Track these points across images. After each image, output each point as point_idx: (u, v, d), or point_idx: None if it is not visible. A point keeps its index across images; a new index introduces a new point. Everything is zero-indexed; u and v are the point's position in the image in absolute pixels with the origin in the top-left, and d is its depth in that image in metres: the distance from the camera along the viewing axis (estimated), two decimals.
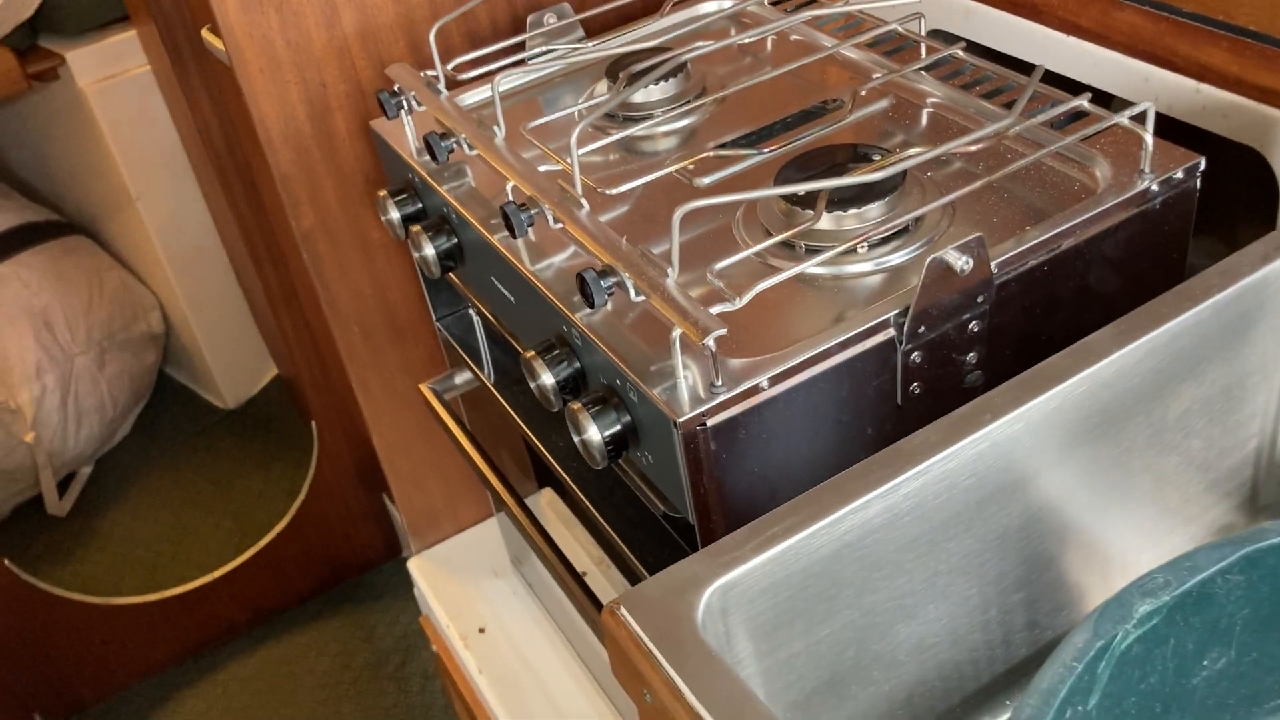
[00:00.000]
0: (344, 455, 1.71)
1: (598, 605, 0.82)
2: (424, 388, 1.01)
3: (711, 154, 0.79)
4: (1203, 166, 0.70)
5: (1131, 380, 0.62)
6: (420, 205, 0.86)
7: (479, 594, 1.21)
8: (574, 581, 0.82)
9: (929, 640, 0.62)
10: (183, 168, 1.85)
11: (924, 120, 0.82)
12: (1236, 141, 0.80)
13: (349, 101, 0.99)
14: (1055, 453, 0.61)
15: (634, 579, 0.82)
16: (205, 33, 1.00)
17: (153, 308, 2.04)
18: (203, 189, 1.85)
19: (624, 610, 0.52)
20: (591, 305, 0.64)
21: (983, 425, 0.57)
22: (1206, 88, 0.82)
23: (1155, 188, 0.69)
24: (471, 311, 1.01)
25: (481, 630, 1.18)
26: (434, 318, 1.00)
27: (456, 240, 0.82)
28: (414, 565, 1.26)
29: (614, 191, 0.73)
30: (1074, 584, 0.67)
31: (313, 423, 1.69)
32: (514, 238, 0.72)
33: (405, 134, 0.88)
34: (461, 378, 1.02)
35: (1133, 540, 0.69)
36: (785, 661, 0.57)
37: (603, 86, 0.88)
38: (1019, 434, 0.59)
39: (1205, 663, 0.59)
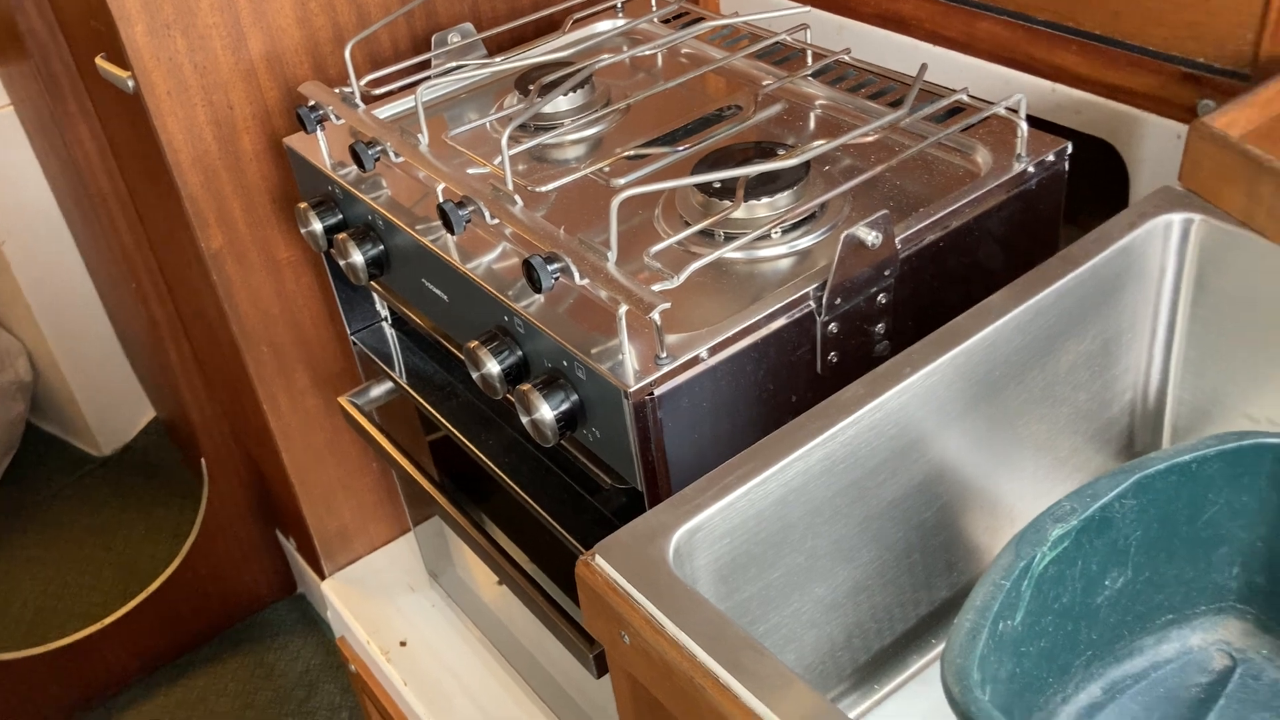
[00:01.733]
0: (237, 492, 1.69)
1: (543, 595, 0.85)
2: (343, 400, 1.03)
3: (625, 156, 0.84)
4: (1070, 150, 0.79)
5: (1026, 336, 0.69)
6: (341, 216, 0.89)
7: (396, 610, 1.22)
8: (514, 568, 0.85)
9: (864, 583, 0.68)
10: (49, 208, 1.80)
11: (817, 121, 0.88)
12: (1091, 136, 0.90)
13: (256, 123, 1.01)
14: (965, 403, 0.68)
15: (556, 574, 0.86)
16: (100, 61, 1.00)
17: (19, 354, 1.97)
18: (73, 229, 1.81)
19: (599, 558, 0.56)
20: (539, 290, 0.68)
21: (904, 378, 0.64)
22: (1061, 87, 0.91)
23: (1031, 169, 0.78)
24: (385, 325, 1.03)
25: (403, 644, 1.18)
26: (349, 331, 1.02)
27: (382, 247, 0.85)
28: (328, 587, 1.26)
29: (543, 189, 0.77)
30: (986, 527, 0.74)
31: (202, 461, 1.66)
32: (452, 234, 0.75)
33: (321, 149, 0.90)
34: (378, 390, 1.04)
35: (1030, 486, 0.76)
36: (741, 605, 0.61)
37: (512, 99, 0.93)
38: (934, 386, 0.65)
39: (1107, 582, 0.66)
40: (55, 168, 1.71)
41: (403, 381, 0.97)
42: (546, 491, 0.83)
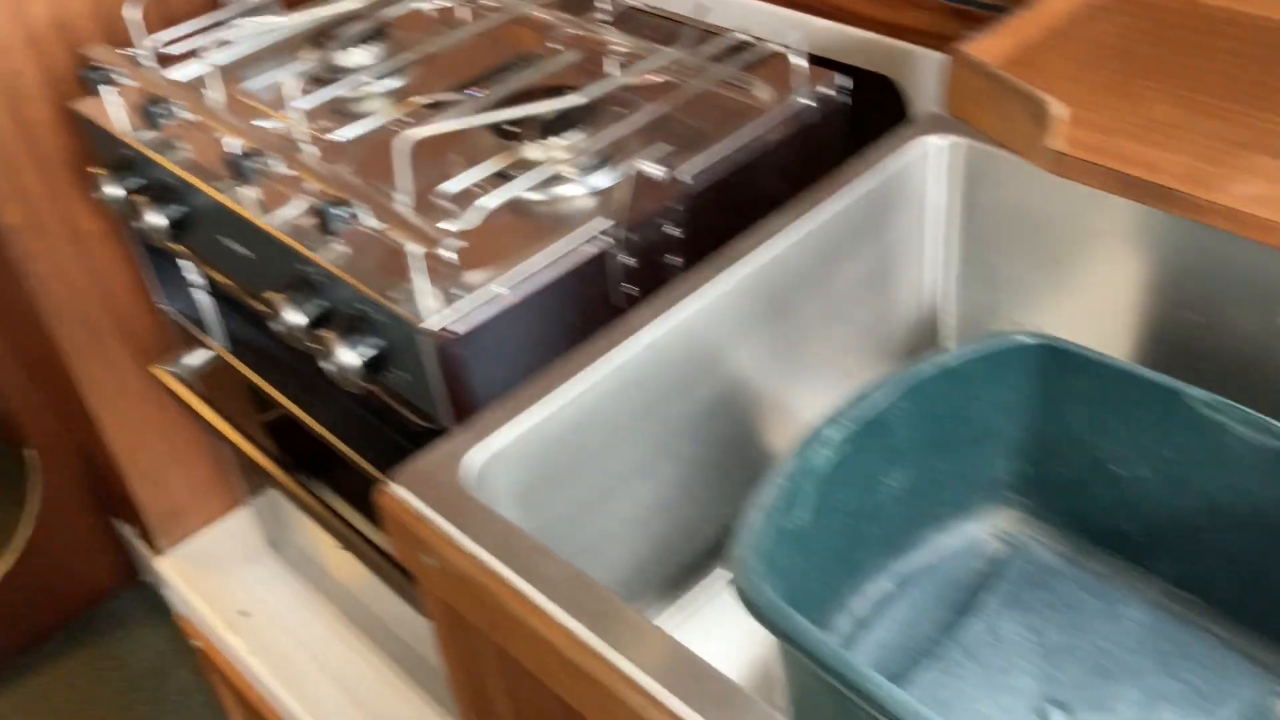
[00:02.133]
0: (70, 481, 1.64)
1: (378, 551, 0.86)
2: (158, 370, 1.01)
3: (423, 105, 0.85)
4: (847, 84, 0.83)
5: (806, 255, 0.73)
6: (138, 179, 0.87)
7: (238, 581, 1.21)
8: (346, 526, 0.86)
9: (668, 499, 0.71)
10: None
11: (608, 65, 0.91)
12: (873, 72, 0.95)
13: (47, 90, 0.98)
14: (752, 322, 0.71)
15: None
16: None
17: None
18: None
19: (394, 485, 0.58)
20: (331, 232, 0.68)
21: (684, 297, 0.67)
22: (844, 27, 0.96)
23: (811, 103, 0.82)
24: (200, 292, 1.02)
25: (245, 614, 1.18)
26: (159, 299, 1.01)
27: (182, 207, 0.84)
28: (164, 564, 1.24)
29: (339, 137, 0.78)
30: (783, 439, 0.78)
31: (31, 452, 1.61)
32: (244, 186, 0.75)
33: (114, 111, 0.89)
34: (195, 358, 1.03)
35: (822, 399, 0.80)
36: (545, 526, 0.64)
37: (308, 54, 0.92)
38: (717, 307, 0.69)
39: (890, 482, 0.71)
40: None
41: (221, 347, 0.96)
42: (372, 446, 0.84)
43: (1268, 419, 0.63)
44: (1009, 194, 0.78)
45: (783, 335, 0.75)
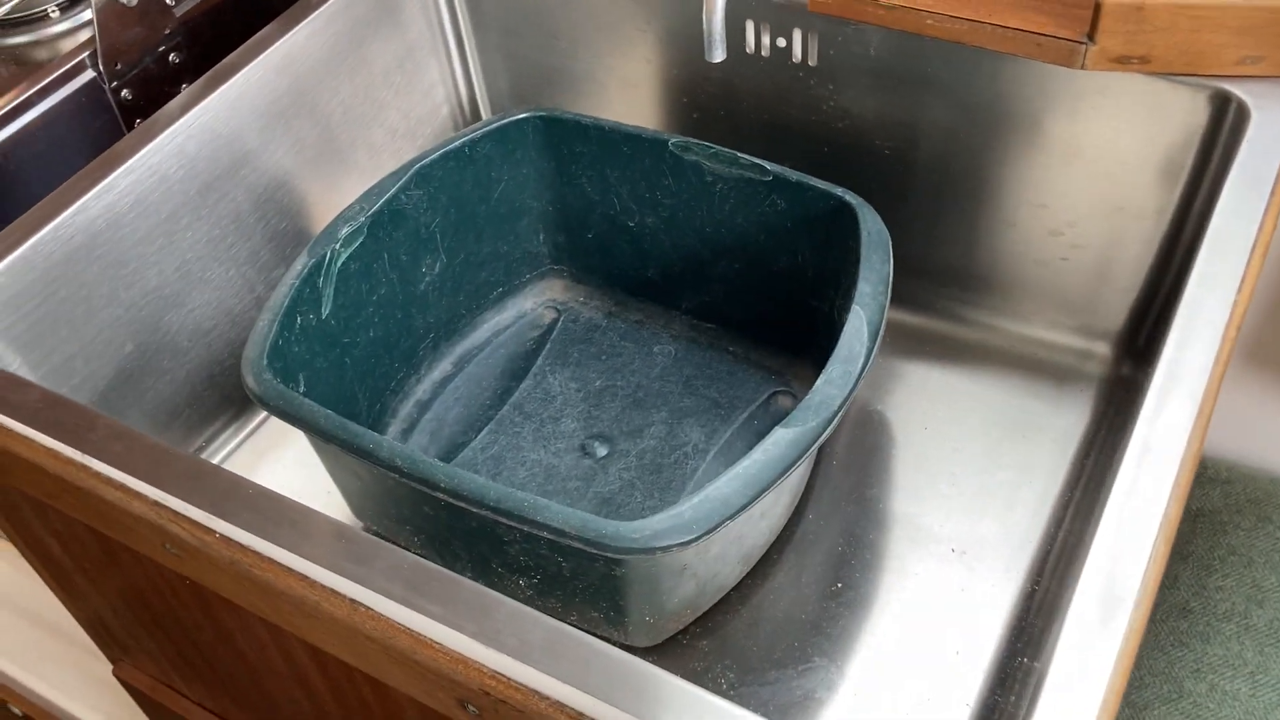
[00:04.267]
0: None
1: None
2: None
3: None
4: None
5: (305, 63, 0.74)
6: None
7: None
8: None
9: (206, 325, 0.72)
10: None
11: None
12: None
13: None
14: (259, 133, 0.72)
15: None
16: None
17: None
18: None
19: None
20: None
21: (176, 118, 0.67)
22: None
23: None
24: None
25: None
26: None
27: None
28: None
29: None
30: None
31: None
32: None
33: None
34: None
35: None
36: (64, 365, 0.64)
37: None
38: (216, 120, 0.69)
39: (423, 269, 0.75)
40: None
41: None
42: None
43: (733, 151, 0.70)
44: None
45: (303, 140, 0.76)
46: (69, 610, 0.73)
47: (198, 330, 0.72)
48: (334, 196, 0.79)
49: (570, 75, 0.84)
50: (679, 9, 0.75)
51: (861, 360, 0.58)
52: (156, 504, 0.48)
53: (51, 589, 0.70)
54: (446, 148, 0.72)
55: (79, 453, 0.50)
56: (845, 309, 0.62)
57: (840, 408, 0.56)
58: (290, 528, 0.46)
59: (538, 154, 0.76)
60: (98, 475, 0.49)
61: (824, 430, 0.55)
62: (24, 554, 0.66)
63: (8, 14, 0.74)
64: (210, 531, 0.47)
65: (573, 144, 0.75)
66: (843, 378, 0.57)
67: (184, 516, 0.48)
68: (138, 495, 0.49)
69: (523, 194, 0.77)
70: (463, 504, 0.53)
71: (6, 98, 0.67)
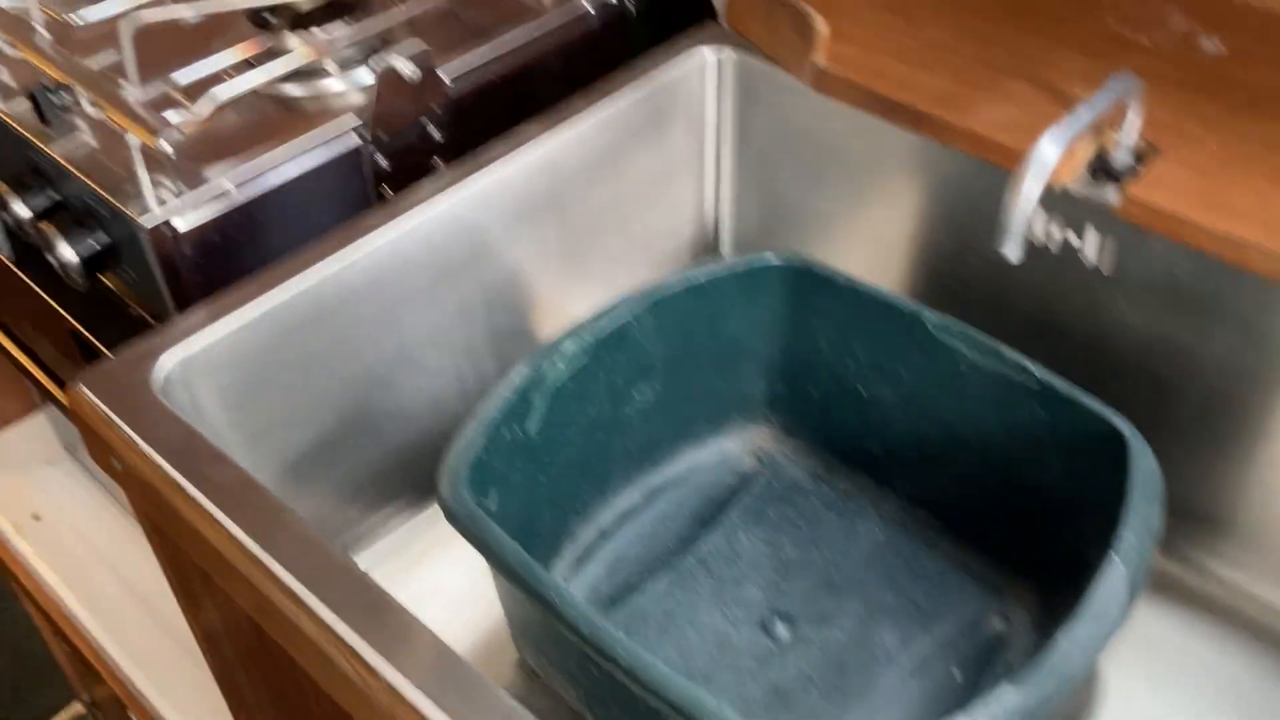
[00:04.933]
0: None
1: None
2: None
3: None
4: None
5: (566, 166, 0.72)
6: None
7: (31, 483, 1.18)
8: None
9: (410, 409, 0.70)
10: None
11: None
12: None
13: None
14: (505, 228, 0.70)
15: None
16: None
17: None
18: None
19: (82, 385, 0.55)
20: (45, 120, 0.65)
21: (426, 198, 0.65)
22: None
23: (592, 10, 0.79)
24: None
25: (37, 517, 1.14)
26: None
27: None
28: None
29: (73, 19, 0.73)
30: None
31: None
32: None
33: None
34: None
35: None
36: (264, 430, 0.62)
37: None
38: (466, 209, 0.67)
39: (636, 395, 0.71)
40: None
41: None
42: None
43: (996, 343, 0.64)
44: (781, 111, 0.77)
45: (546, 241, 0.73)
46: (210, 669, 0.71)
47: (400, 413, 0.69)
48: (561, 300, 0.76)
49: (823, 217, 0.79)
50: (960, 169, 0.69)
51: (1114, 623, 0.51)
52: (326, 626, 0.45)
53: (200, 647, 0.69)
54: (688, 281, 0.69)
55: (261, 549, 0.47)
56: (1093, 545, 0.54)
57: (1081, 676, 0.49)
58: (458, 695, 0.42)
59: (779, 299, 0.71)
60: (274, 579, 0.47)
61: (1057, 699, 0.48)
62: (184, 613, 0.64)
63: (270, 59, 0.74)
64: (375, 673, 0.43)
65: (819, 296, 0.70)
66: (1090, 641, 0.50)
67: (351, 649, 0.44)
68: (309, 612, 0.45)
69: (752, 336, 0.73)
70: (638, 689, 0.48)
71: (274, 151, 0.67)
